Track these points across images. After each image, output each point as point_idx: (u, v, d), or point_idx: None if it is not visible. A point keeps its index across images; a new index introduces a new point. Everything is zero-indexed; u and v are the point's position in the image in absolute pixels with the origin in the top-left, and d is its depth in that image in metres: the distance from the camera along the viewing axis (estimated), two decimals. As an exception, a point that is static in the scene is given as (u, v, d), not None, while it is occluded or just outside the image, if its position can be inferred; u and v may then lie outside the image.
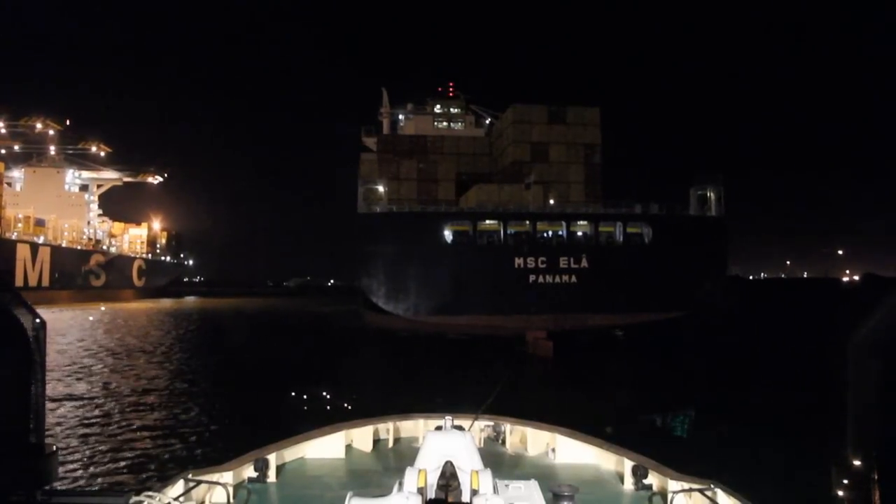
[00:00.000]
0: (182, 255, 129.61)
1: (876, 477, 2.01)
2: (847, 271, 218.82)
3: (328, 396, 17.59)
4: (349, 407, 15.90)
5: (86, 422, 16.47)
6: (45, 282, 78.25)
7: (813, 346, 34.82)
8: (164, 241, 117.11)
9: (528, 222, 46.22)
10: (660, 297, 42.63)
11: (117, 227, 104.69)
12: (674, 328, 40.40)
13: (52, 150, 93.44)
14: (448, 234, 45.57)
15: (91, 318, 56.24)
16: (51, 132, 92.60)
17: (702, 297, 44.34)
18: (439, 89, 68.42)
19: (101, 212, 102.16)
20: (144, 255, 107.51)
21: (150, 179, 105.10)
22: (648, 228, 47.02)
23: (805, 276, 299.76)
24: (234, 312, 74.57)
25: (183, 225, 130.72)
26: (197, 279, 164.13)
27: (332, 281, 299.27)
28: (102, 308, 58.99)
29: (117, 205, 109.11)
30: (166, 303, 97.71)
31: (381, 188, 47.58)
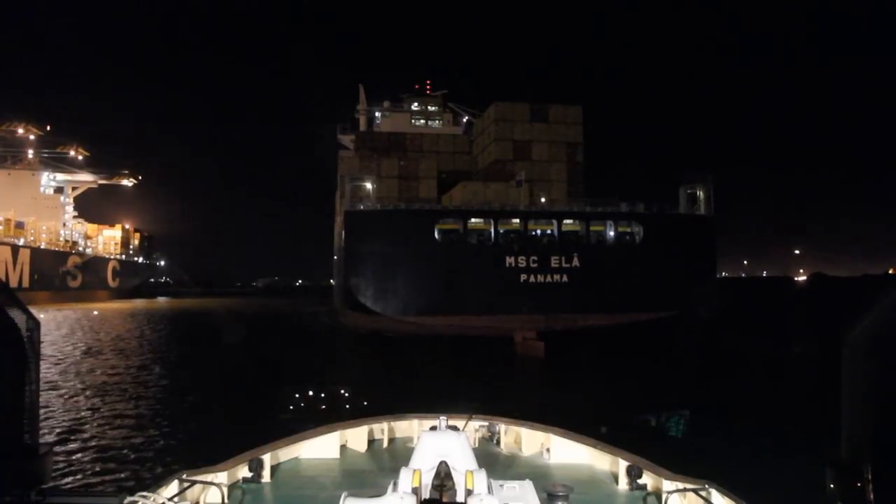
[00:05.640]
0: (154, 256, 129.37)
1: (870, 476, 1.99)
2: (801, 270, 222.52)
3: (323, 396, 17.53)
4: (348, 406, 15.87)
5: (79, 422, 16.32)
6: (26, 283, 78.04)
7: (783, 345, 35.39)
8: (136, 242, 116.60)
9: (518, 221, 45.33)
10: (651, 296, 42.04)
11: (92, 228, 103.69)
12: (662, 328, 39.96)
13: (30, 153, 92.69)
14: (437, 233, 44.55)
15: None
16: (31, 137, 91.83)
17: (693, 297, 43.75)
18: (416, 87, 68.13)
19: (76, 213, 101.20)
20: (118, 257, 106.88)
21: (124, 182, 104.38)
22: (639, 227, 46.32)
23: (765, 274, 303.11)
24: (222, 311, 73.90)
25: (155, 226, 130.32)
26: (163, 279, 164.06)
27: (300, 281, 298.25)
28: (95, 312, 59.16)
29: (92, 207, 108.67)
30: (141, 303, 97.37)
31: (368, 185, 46.34)
